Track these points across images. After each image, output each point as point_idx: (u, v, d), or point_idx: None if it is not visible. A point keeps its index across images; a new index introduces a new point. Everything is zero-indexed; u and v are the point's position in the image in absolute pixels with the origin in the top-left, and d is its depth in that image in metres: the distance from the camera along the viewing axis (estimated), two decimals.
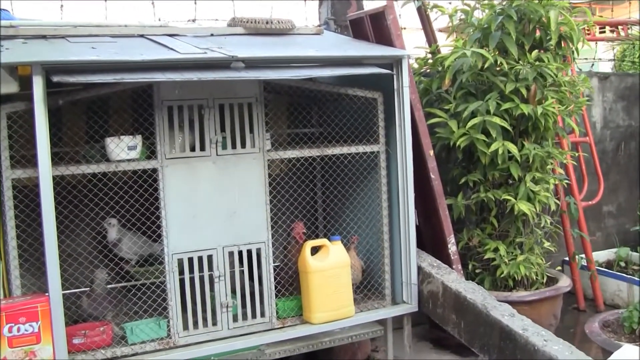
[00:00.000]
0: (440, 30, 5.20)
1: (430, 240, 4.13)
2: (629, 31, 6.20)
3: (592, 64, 6.98)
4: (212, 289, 3.25)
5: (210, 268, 3.25)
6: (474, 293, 3.49)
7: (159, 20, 4.42)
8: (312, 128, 4.07)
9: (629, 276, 5.03)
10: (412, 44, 4.67)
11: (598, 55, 8.77)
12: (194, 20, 4.55)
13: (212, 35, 3.70)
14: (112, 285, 3.42)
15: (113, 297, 3.30)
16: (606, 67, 8.74)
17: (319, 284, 3.42)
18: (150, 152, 3.18)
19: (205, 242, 3.23)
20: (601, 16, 7.17)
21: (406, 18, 4.92)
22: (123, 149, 3.07)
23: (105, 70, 2.88)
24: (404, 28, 4.36)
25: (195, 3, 4.59)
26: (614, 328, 3.92)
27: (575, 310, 5.07)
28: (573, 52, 4.35)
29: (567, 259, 5.11)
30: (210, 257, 3.24)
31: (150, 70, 2.95)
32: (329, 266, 3.46)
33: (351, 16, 4.32)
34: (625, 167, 5.92)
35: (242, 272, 3.40)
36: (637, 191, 5.89)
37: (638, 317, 3.77)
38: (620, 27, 6.15)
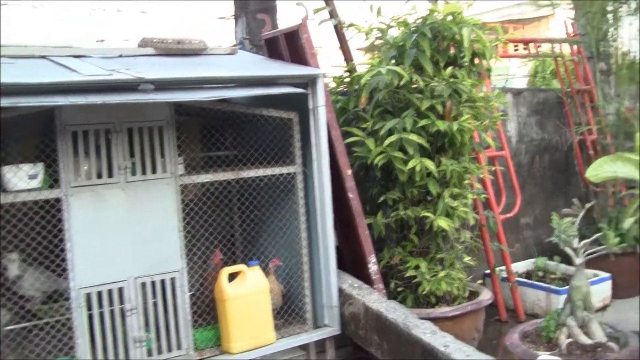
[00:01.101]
0: (362, 49, 5.10)
1: (351, 260, 3.98)
2: (539, 48, 6.24)
3: (506, 80, 7.02)
4: (123, 323, 3.01)
5: (122, 301, 3.01)
6: (395, 312, 3.36)
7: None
8: (227, 151, 3.87)
9: (546, 285, 5.01)
10: (334, 63, 4.56)
11: (514, 72, 8.91)
12: (102, 41, 4.31)
13: (120, 56, 3.48)
14: (13, 327, 3.13)
15: (13, 340, 3.00)
16: (522, 83, 8.86)
17: (236, 311, 3.23)
18: (53, 180, 2.93)
19: (115, 274, 3.00)
20: (513, 34, 7.23)
21: (328, 36, 4.79)
22: (22, 178, 2.81)
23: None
24: (320, 47, 4.24)
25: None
26: (532, 338, 3.86)
27: (498, 321, 5.00)
28: (489, 69, 4.31)
29: (488, 271, 5.05)
30: (121, 290, 3.01)
31: (53, 94, 2.71)
32: (247, 292, 3.28)
33: (266, 35, 4.16)
34: (541, 180, 5.93)
35: (155, 303, 3.17)
36: (552, 203, 5.89)
37: (554, 326, 3.71)
38: (531, 44, 6.18)
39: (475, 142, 4.35)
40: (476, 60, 4.23)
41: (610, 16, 5.78)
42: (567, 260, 5.39)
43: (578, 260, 3.77)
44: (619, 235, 5.27)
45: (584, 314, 3.71)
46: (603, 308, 5.20)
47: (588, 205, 3.91)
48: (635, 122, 5.74)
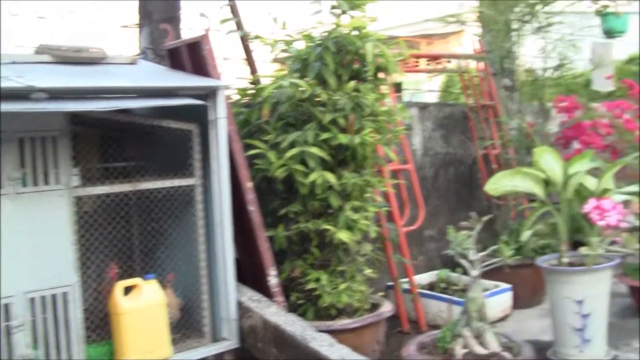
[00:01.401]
0: (277, 61, 5.16)
1: (251, 273, 4.02)
2: (448, 64, 6.48)
3: (413, 94, 7.22)
4: (9, 342, 2.96)
5: (9, 318, 2.96)
6: (294, 325, 3.42)
7: None
8: (125, 162, 3.86)
9: (448, 296, 5.17)
10: (242, 74, 4.60)
11: (427, 86, 9.15)
12: None
13: (14, 62, 3.42)
14: None
15: None
16: (434, 98, 9.13)
17: (131, 325, 3.23)
18: None
19: (1, 290, 2.94)
20: (418, 49, 7.44)
21: (237, 48, 4.83)
22: None
23: None
24: (227, 59, 4.28)
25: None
26: (430, 349, 3.98)
27: (400, 333, 5.13)
28: (400, 83, 4.45)
29: (391, 283, 5.18)
30: (7, 306, 2.96)
31: None
32: (142, 306, 3.27)
33: (169, 45, 4.17)
34: (445, 193, 6.13)
35: (45, 319, 3.13)
36: (456, 215, 6.09)
37: (450, 337, 3.85)
38: (439, 59, 6.41)
39: (377, 155, 4.46)
40: (380, 75, 4.35)
41: (514, 34, 6.05)
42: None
43: (474, 272, 3.91)
44: (519, 247, 5.51)
45: (479, 324, 3.86)
46: (504, 318, 5.41)
47: (485, 218, 4.07)
48: (536, 137, 6.02)
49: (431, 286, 5.56)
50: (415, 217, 5.41)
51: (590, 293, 4.24)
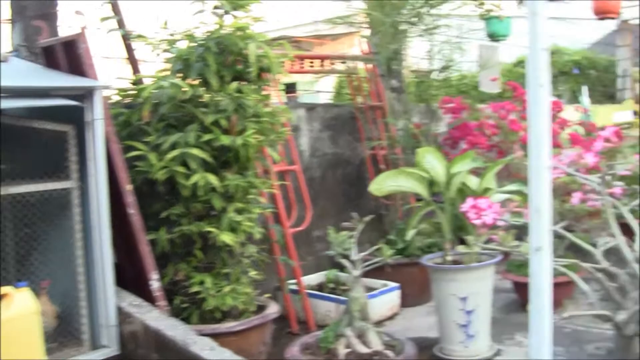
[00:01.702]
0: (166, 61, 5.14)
1: (133, 278, 4.00)
2: (344, 64, 6.61)
3: (298, 96, 7.33)
4: None
5: None
6: (175, 330, 3.44)
7: None
8: None
9: (336, 297, 5.29)
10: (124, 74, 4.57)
11: (323, 87, 9.28)
12: None
13: None
14: None
15: None
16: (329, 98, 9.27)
17: (2, 336, 3.15)
18: None
19: None
20: (308, 50, 7.56)
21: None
22: None
23: None
24: (109, 57, 4.24)
25: None
26: (313, 350, 4.07)
27: (290, 334, 5.21)
28: (294, 84, 4.52)
29: (279, 285, 5.26)
30: None
31: None
32: (14, 316, 3.20)
33: (43, 43, 4.10)
34: (333, 193, 6.26)
35: None
36: (344, 215, 6.21)
37: (333, 337, 3.95)
38: (327, 60, 6.53)
39: (261, 157, 4.53)
40: (263, 75, 4.42)
41: (401, 36, 6.25)
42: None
43: (355, 272, 4.04)
44: (406, 246, 5.71)
45: (361, 324, 3.98)
46: (392, 316, 5.60)
47: (367, 218, 4.20)
48: (422, 138, 6.24)
49: (320, 286, 5.68)
50: (303, 218, 5.51)
51: (474, 290, 4.46)
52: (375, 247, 4.31)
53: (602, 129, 7.88)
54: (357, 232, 4.11)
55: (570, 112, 9.56)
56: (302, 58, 5.79)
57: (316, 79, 7.21)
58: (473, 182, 4.66)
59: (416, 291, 5.77)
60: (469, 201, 3.01)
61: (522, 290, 5.58)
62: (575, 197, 3.28)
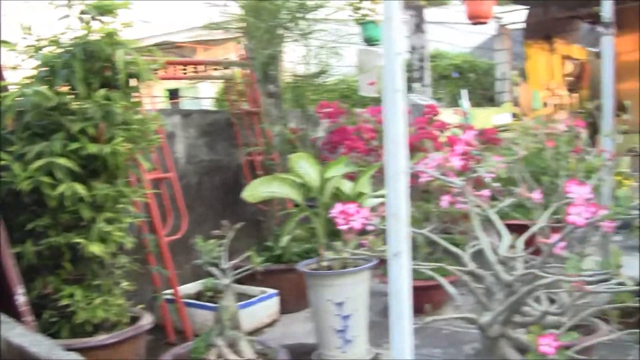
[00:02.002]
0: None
1: None
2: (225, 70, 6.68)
3: (164, 102, 7.34)
4: None
5: None
6: (40, 346, 3.42)
7: None
8: None
9: (213, 305, 5.35)
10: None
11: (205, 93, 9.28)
12: None
13: None
14: None
15: None
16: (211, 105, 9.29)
17: None
18: None
19: None
20: (185, 56, 7.60)
21: None
22: None
23: None
24: None
25: None
26: None
27: (168, 344, 5.24)
28: (176, 90, 4.55)
29: (156, 295, 5.29)
30: None
31: None
32: None
33: None
34: (210, 200, 6.34)
35: None
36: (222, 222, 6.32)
37: (204, 347, 4.02)
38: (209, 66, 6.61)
39: (132, 165, 4.56)
40: (133, 82, 4.44)
41: (277, 41, 6.39)
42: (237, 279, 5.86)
43: (225, 281, 4.12)
44: (283, 252, 5.85)
45: (233, 333, 4.06)
46: (272, 323, 5.72)
47: (238, 225, 4.30)
48: (299, 143, 6.40)
49: (198, 295, 5.75)
50: (180, 226, 5.56)
51: (350, 295, 4.59)
52: (246, 255, 4.39)
53: (481, 131, 8.31)
54: (227, 240, 4.20)
55: (449, 115, 10.00)
56: (173, 64, 5.83)
57: (191, 85, 7.24)
58: (347, 186, 4.84)
59: (295, 297, 5.90)
60: (338, 206, 3.15)
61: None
62: (444, 200, 3.47)
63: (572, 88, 16.94)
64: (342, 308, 4.57)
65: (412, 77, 10.46)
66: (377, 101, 7.98)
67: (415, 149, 6.86)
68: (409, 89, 10.43)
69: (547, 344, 2.31)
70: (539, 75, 15.66)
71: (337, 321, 4.61)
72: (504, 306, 2.73)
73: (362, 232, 3.42)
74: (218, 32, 7.52)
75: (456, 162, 3.01)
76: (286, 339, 5.30)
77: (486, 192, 3.46)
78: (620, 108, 17.27)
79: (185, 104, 9.84)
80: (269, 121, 6.42)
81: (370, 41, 7.99)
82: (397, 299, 2.21)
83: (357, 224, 3.10)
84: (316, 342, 4.82)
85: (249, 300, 5.45)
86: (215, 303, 5.45)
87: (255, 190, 4.70)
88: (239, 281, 5.88)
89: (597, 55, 17.44)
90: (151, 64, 4.51)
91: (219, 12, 6.53)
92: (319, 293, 4.62)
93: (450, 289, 3.14)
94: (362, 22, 7.86)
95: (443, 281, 3.24)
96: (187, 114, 6.24)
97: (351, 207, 3.07)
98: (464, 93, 11.48)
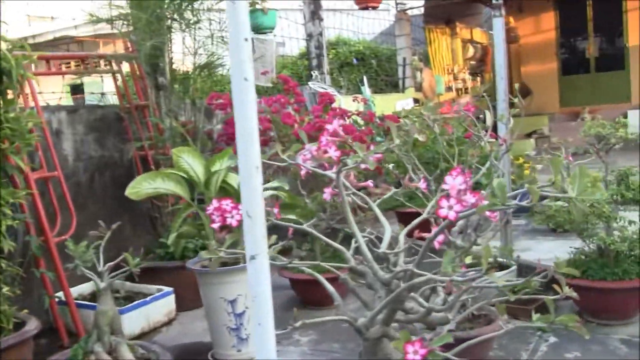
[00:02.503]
0: None
1: None
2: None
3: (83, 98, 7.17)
4: None
5: None
6: None
7: None
8: None
9: None
10: None
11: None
12: None
13: None
14: None
15: None
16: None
17: None
18: None
19: None
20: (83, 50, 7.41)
21: None
22: None
23: None
24: None
25: None
26: None
27: (62, 347, 5.12)
28: (80, 85, 4.42)
29: (55, 297, 5.17)
30: None
31: None
32: None
33: None
34: (103, 198, 6.22)
35: None
36: (117, 219, 6.17)
37: (82, 354, 3.90)
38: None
39: (8, 165, 4.44)
40: (5, 79, 4.33)
41: (162, 32, 6.29)
42: (133, 278, 5.76)
43: (102, 284, 4.00)
44: (175, 249, 5.78)
45: (112, 338, 3.95)
46: (169, 322, 5.65)
47: (114, 226, 4.20)
48: (192, 136, 6.34)
49: (93, 295, 5.62)
50: (70, 226, 5.44)
51: (243, 291, 4.53)
52: (122, 257, 4.25)
53: (381, 118, 8.41)
54: (104, 240, 4.09)
55: (349, 103, 10.07)
56: (50, 59, 5.67)
57: (73, 79, 7.07)
58: (235, 180, 4.78)
59: (192, 294, 5.78)
60: (214, 203, 3.07)
61: (299, 287, 5.78)
62: (327, 192, 3.37)
63: (475, 72, 17.37)
64: (235, 306, 4.52)
65: (311, 65, 10.49)
66: (273, 91, 8.01)
67: (313, 139, 6.90)
68: (309, 77, 10.47)
69: (414, 351, 2.19)
70: (441, 60, 15.95)
71: (230, 319, 4.56)
72: (380, 306, 2.64)
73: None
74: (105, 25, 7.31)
75: (333, 153, 2.91)
76: (183, 337, 5.26)
77: (370, 183, 3.43)
78: (524, 91, 17.77)
79: (92, 98, 9.56)
80: (159, 114, 6.34)
81: (258, 29, 7.94)
82: (257, 303, 2.07)
83: (234, 221, 3.01)
84: (211, 341, 4.77)
85: (143, 300, 5.38)
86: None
87: (139, 187, 4.61)
88: (134, 280, 5.83)
89: None
90: (24, 59, 4.40)
91: (103, 4, 6.38)
92: (211, 291, 4.55)
93: (329, 287, 3.05)
94: (250, 10, 7.78)
95: (321, 278, 3.16)
96: (73, 110, 6.10)
97: (227, 203, 2.99)
98: (365, 80, 11.60)
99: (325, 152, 2.91)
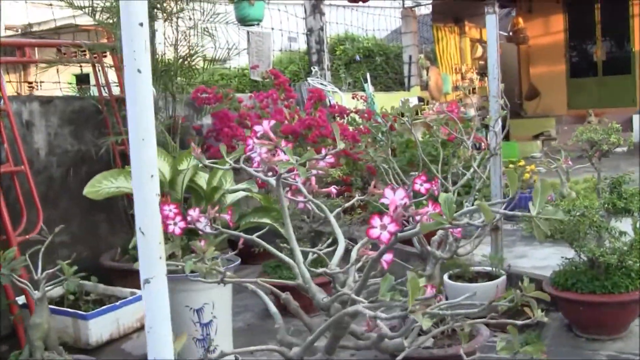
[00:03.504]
0: None
1: None
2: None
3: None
4: None
5: None
6: None
7: None
8: None
9: (73, 311, 4.94)
10: None
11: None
12: None
13: None
14: None
15: None
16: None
17: None
18: None
19: None
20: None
21: None
22: None
23: None
24: None
25: None
26: None
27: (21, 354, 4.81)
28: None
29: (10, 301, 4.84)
30: None
31: None
32: None
33: None
34: (78, 193, 5.84)
35: None
36: (92, 217, 5.90)
37: None
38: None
39: None
40: None
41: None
42: (108, 280, 5.43)
43: (37, 294, 3.62)
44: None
45: (45, 354, 3.61)
46: (141, 328, 5.30)
47: (57, 229, 3.86)
48: (167, 133, 5.95)
49: (62, 299, 5.30)
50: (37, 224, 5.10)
51: (210, 300, 4.22)
52: (58, 266, 3.88)
53: (382, 115, 8.04)
54: (44, 245, 3.74)
55: (348, 100, 9.72)
56: (19, 46, 5.33)
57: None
58: (204, 180, 4.43)
59: None
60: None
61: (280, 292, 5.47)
62: (286, 197, 2.98)
63: (484, 72, 16.93)
64: (201, 315, 4.20)
65: (311, 61, 10.12)
66: (266, 86, 7.66)
67: (303, 137, 6.56)
68: (309, 73, 10.12)
69: None
70: (449, 59, 15.56)
71: (196, 329, 4.24)
72: (314, 335, 2.27)
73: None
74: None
75: (284, 157, 2.49)
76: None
77: (332, 189, 3.05)
78: (532, 92, 17.29)
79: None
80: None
81: (244, 21, 7.54)
82: (153, 336, 1.73)
83: (176, 229, 2.67)
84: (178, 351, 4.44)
85: (112, 304, 5.04)
86: (79, 307, 5.05)
87: (98, 186, 4.24)
88: (108, 282, 5.50)
89: (509, 39, 17.58)
90: None
91: None
92: (177, 299, 4.18)
93: (272, 309, 2.70)
94: (236, 1, 7.39)
95: (265, 299, 2.82)
96: (47, 101, 5.75)
97: (171, 209, 2.65)
98: (367, 77, 11.24)
99: (275, 155, 2.56)
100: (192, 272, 4.26)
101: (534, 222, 1.63)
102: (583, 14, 16.39)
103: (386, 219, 1.67)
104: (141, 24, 1.69)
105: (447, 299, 4.31)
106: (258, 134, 2.41)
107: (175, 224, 2.76)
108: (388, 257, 2.02)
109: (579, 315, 4.24)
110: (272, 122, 2.43)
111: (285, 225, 2.33)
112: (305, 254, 2.95)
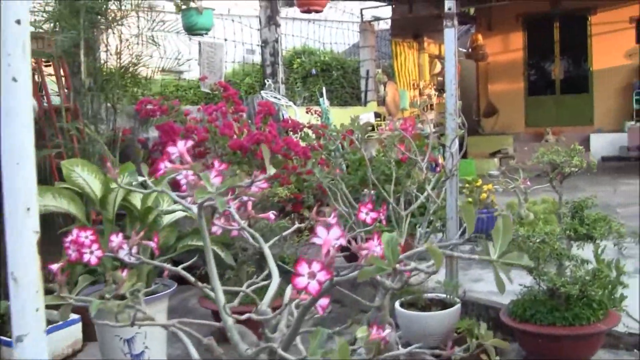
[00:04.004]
0: None
1: None
2: None
3: None
4: None
5: None
6: None
7: None
8: None
9: None
10: None
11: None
12: None
13: None
14: None
15: None
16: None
17: None
18: None
19: None
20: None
21: None
22: None
23: None
24: None
25: None
26: None
27: None
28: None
29: None
30: None
31: None
32: None
33: None
34: None
35: None
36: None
37: None
38: None
39: None
40: None
41: (87, 29, 5.58)
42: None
43: None
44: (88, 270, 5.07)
45: None
46: (74, 354, 4.94)
47: None
48: (96, 140, 5.56)
49: None
50: None
51: (143, 329, 3.88)
52: None
53: (336, 131, 7.75)
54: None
55: (303, 115, 9.46)
56: None
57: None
58: (139, 199, 4.08)
59: None
60: (74, 232, 2.36)
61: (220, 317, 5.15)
62: (217, 225, 2.59)
63: (442, 88, 16.81)
64: (132, 345, 3.87)
65: (265, 74, 9.83)
66: (218, 98, 7.34)
67: (252, 152, 6.25)
68: (262, 86, 9.84)
69: None
70: (407, 74, 15.41)
71: None
72: None
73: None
74: None
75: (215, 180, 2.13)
76: None
77: (270, 215, 2.72)
78: (490, 110, 17.20)
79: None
80: (81, 119, 5.61)
81: (192, 30, 7.20)
82: None
83: (92, 259, 2.33)
84: None
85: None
86: (5, 331, 4.68)
87: None
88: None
89: (468, 55, 17.49)
90: None
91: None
92: (104, 327, 3.85)
93: (194, 355, 2.33)
94: (183, 9, 7.06)
95: (187, 343, 2.46)
96: None
97: (87, 235, 2.31)
98: (323, 91, 11.00)
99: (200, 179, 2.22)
100: (122, 297, 3.97)
101: (493, 268, 1.36)
102: (542, 32, 16.39)
103: (315, 266, 1.37)
104: (18, 22, 1.34)
105: (398, 327, 4.05)
106: (172, 157, 2.09)
107: (91, 252, 2.43)
108: (324, 301, 1.73)
109: (538, 348, 3.97)
110: (190, 142, 2.11)
111: (206, 260, 2.02)
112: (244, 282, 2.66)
